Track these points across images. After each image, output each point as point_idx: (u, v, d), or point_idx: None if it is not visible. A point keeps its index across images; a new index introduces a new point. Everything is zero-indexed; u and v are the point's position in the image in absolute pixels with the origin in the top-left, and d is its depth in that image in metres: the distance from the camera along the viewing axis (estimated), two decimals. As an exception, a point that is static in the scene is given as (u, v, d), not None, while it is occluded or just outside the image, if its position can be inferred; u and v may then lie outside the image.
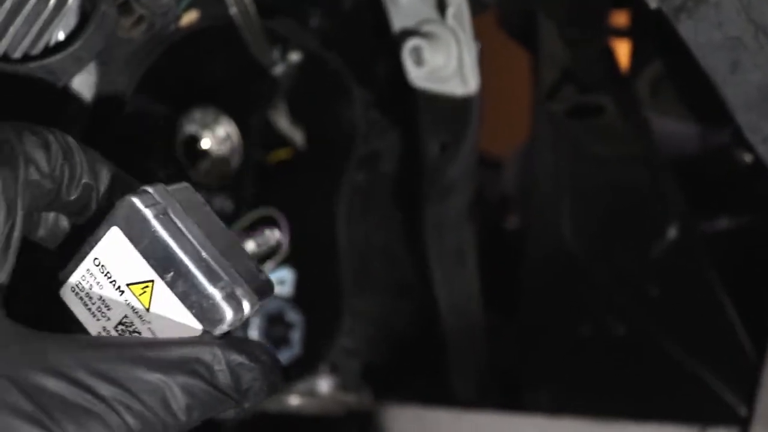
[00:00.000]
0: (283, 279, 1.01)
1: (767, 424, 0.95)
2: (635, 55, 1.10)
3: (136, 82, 0.84)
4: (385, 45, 0.97)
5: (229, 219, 1.06)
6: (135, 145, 0.94)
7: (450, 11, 0.84)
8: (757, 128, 0.80)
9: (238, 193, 1.10)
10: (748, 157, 1.05)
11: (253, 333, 1.01)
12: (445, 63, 0.85)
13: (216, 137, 0.99)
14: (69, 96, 0.77)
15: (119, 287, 0.51)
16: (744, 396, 0.99)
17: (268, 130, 1.07)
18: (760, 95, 0.78)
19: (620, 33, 1.11)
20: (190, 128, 0.98)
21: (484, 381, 1.22)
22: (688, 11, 0.76)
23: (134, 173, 0.57)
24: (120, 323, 0.51)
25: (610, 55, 1.07)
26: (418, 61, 0.85)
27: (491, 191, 1.55)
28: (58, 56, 0.73)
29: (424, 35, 0.85)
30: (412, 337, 1.24)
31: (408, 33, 0.86)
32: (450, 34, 0.84)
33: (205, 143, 0.98)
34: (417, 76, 0.87)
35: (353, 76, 1.03)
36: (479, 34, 1.21)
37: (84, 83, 0.78)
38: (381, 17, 0.95)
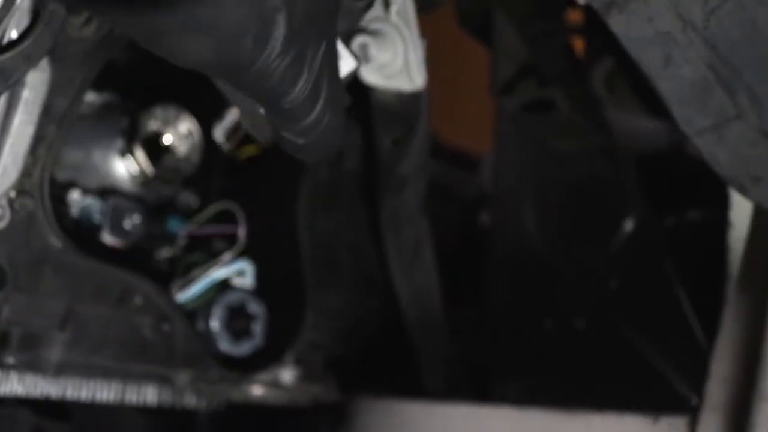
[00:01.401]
0: (242, 270, 1.03)
1: (716, 413, 0.96)
2: (589, 51, 1.11)
3: (91, 79, 0.87)
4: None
5: (194, 213, 1.09)
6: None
7: (393, 9, 0.86)
8: (691, 122, 0.81)
9: (204, 189, 1.13)
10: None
11: (215, 324, 1.03)
12: (391, 59, 0.87)
13: (178, 134, 1.02)
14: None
15: None
16: (695, 385, 1.00)
17: (235, 126, 1.09)
18: (692, 90, 0.80)
19: (574, 30, 1.13)
20: (152, 125, 1.01)
21: (453, 373, 1.24)
22: (618, 7, 0.77)
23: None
24: None
25: (569, 51, 1.09)
26: (366, 57, 0.87)
27: (467, 189, 1.57)
28: (7, 54, 0.76)
29: (371, 32, 0.87)
30: (381, 331, 1.26)
31: (357, 30, 0.88)
32: (395, 31, 0.86)
33: (167, 139, 1.01)
34: (366, 72, 0.89)
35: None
36: (454, 33, 1.23)
37: (38, 80, 0.81)
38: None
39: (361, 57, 0.88)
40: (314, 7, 0.61)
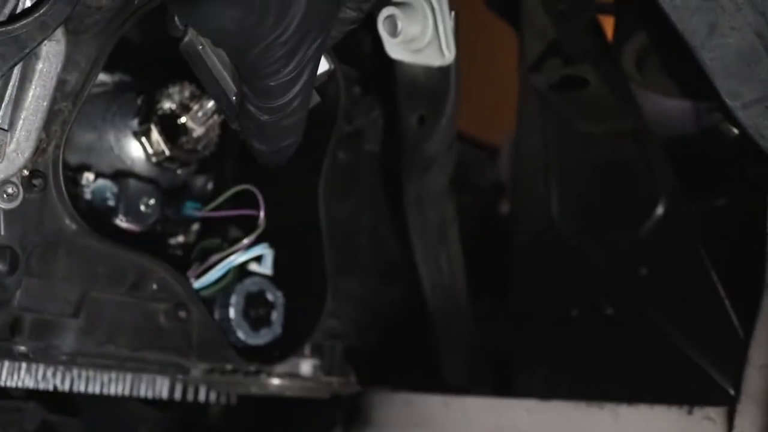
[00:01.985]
0: (262, 255, 0.99)
1: (755, 402, 0.93)
2: (618, 29, 1.08)
3: (108, 52, 0.83)
4: (368, 19, 0.95)
5: (210, 199, 1.05)
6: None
7: (421, -23, 0.82)
8: (737, 94, 0.78)
9: (219, 173, 1.09)
10: (731, 132, 1.03)
11: (233, 312, 0.99)
12: (420, 32, 0.83)
13: (194, 114, 0.98)
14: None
15: None
16: (732, 375, 0.96)
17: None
18: (738, 60, 0.76)
19: (604, 9, 1.09)
20: (167, 104, 0.97)
21: (475, 364, 1.20)
22: (662, -28, 0.74)
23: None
24: None
25: (597, 28, 1.05)
26: (393, 31, 0.84)
27: (485, 178, 1.53)
28: (22, 22, 0.72)
29: (399, 4, 0.83)
30: (401, 321, 1.22)
31: (383, 3, 0.85)
32: (424, 1, 0.83)
33: (183, 120, 0.97)
34: (393, 47, 0.85)
35: (335, 51, 1.02)
36: (476, 20, 1.20)
37: (53, 51, 0.77)
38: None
39: (389, 31, 0.84)
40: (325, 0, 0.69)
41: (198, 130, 0.98)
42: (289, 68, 0.69)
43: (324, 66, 0.79)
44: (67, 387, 1.10)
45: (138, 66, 1.01)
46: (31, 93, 0.77)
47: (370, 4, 0.74)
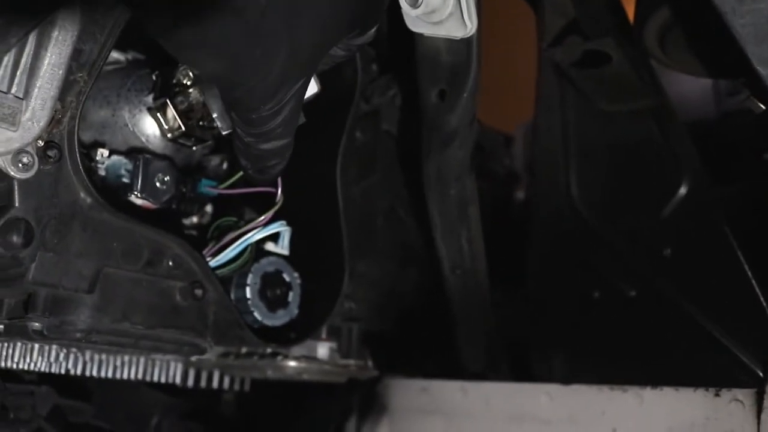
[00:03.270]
0: (279, 233, 0.97)
1: (785, 384, 0.90)
2: (640, 5, 1.06)
3: (122, 24, 0.81)
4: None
5: (225, 177, 1.03)
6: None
7: (443, -56, 0.80)
8: (770, 60, 0.76)
9: (234, 153, 1.07)
10: (759, 108, 1.01)
11: (249, 292, 0.98)
12: (442, 3, 0.81)
13: (210, 90, 0.96)
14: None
15: None
16: (761, 356, 0.94)
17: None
18: (771, 24, 0.74)
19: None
20: (182, 80, 0.95)
21: (493, 347, 1.18)
22: (693, -66, 0.72)
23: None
24: None
25: (617, 5, 1.03)
26: (414, 2, 0.82)
27: (501, 164, 1.52)
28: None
29: (420, -26, 0.81)
30: (418, 304, 1.20)
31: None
32: (446, -30, 0.81)
33: (198, 95, 0.95)
34: (413, 19, 0.83)
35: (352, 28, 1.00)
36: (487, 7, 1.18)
37: (68, 19, 0.76)
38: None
39: (409, 2, 0.82)
40: (311, 49, 0.75)
41: (214, 108, 0.96)
42: (269, 105, 0.76)
43: (313, 89, 0.85)
44: (79, 370, 1.09)
45: (153, 42, 0.99)
46: (46, 61, 0.75)
47: (359, 44, 0.79)
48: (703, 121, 1.25)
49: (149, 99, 0.96)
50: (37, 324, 0.83)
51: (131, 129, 0.96)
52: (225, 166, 1.06)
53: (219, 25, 0.68)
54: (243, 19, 0.68)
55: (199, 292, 0.91)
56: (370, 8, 0.79)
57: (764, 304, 0.96)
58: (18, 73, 0.74)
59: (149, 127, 0.96)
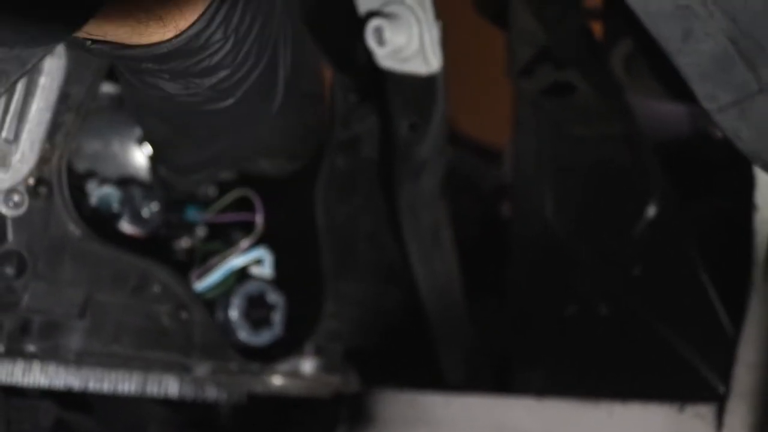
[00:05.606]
0: (260, 258, 1.03)
1: (744, 400, 0.94)
2: (607, 34, 1.10)
3: (107, 66, 0.87)
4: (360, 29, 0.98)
5: (212, 203, 1.09)
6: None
7: (408, -10, 0.85)
8: (713, 98, 0.79)
9: (220, 179, 1.13)
10: (719, 132, 1.05)
11: (234, 313, 1.03)
12: (406, 42, 0.86)
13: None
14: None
15: None
16: (722, 373, 0.98)
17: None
18: (713, 64, 0.78)
19: (592, 13, 1.11)
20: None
21: (473, 363, 1.23)
22: (635, -20, 0.76)
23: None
24: None
25: (587, 33, 1.07)
26: (381, 41, 0.87)
27: (486, 181, 1.56)
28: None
29: (386, 15, 0.86)
30: (400, 321, 1.25)
31: (372, 14, 0.88)
32: (410, 13, 0.86)
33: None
34: (381, 56, 0.88)
35: (331, 60, 1.05)
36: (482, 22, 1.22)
37: (54, 66, 0.82)
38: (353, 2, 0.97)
39: (377, 41, 0.87)
40: None
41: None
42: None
43: None
44: (78, 385, 1.15)
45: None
46: (34, 106, 0.81)
47: None
48: (680, 140, 1.28)
49: (138, 131, 1.01)
50: (32, 347, 0.90)
51: (122, 160, 1.02)
52: (214, 191, 1.11)
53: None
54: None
55: (184, 315, 0.97)
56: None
57: (725, 322, 1.00)
58: (8, 118, 0.80)
59: (139, 158, 1.02)
